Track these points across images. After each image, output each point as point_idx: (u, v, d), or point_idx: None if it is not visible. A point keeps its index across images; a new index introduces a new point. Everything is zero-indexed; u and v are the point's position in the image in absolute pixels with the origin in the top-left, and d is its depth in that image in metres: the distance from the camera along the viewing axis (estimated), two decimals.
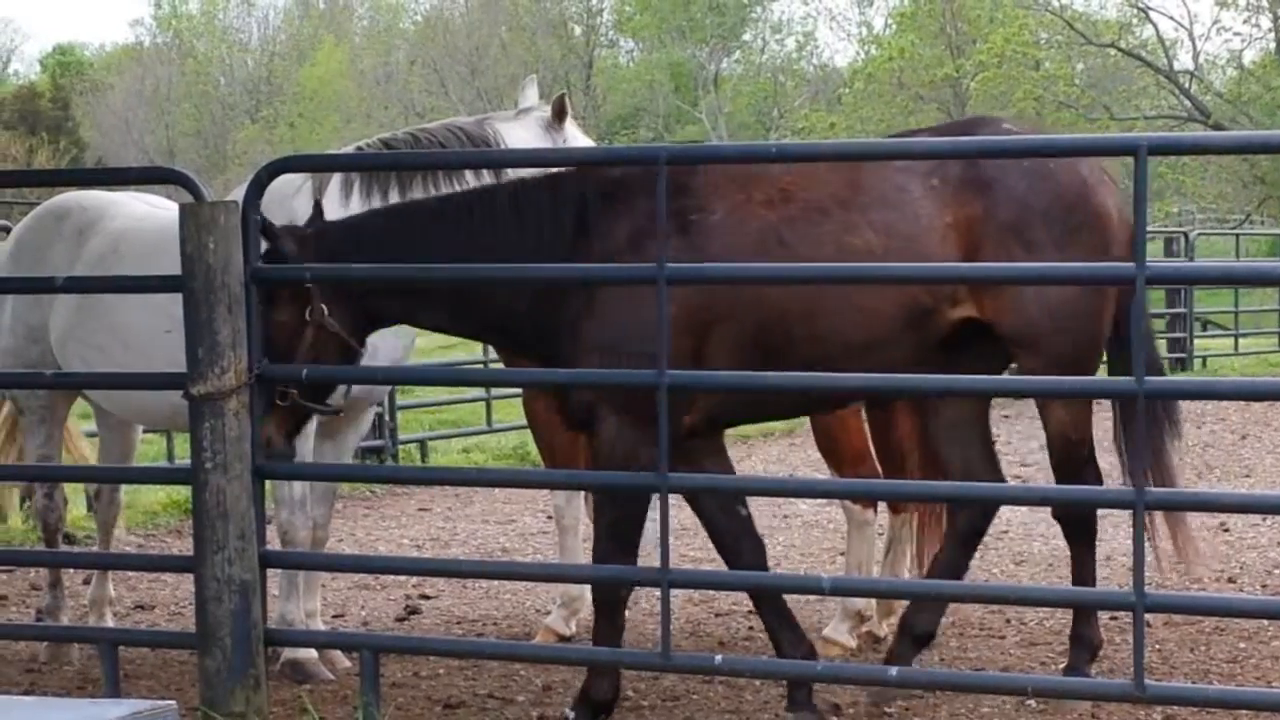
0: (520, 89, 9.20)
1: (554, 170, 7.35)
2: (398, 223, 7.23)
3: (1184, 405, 20.24)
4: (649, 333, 6.65)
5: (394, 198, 7.99)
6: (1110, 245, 7.16)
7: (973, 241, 7.00)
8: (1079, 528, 7.64)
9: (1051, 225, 7.03)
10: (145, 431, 10.80)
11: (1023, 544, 11.78)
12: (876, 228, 7.00)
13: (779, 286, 6.93)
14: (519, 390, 16.78)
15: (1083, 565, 7.68)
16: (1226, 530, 12.05)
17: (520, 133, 8.49)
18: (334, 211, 7.76)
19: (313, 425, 8.41)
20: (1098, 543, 11.49)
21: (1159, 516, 7.79)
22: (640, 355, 6.77)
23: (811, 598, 9.63)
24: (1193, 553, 8.10)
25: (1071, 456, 7.47)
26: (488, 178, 7.62)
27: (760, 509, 13.25)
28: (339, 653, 8.75)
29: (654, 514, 6.94)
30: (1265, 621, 9.04)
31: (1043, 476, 15.02)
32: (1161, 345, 25.94)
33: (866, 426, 8.88)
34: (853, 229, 6.99)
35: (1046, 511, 12.47)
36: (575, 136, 8.78)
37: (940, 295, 7.05)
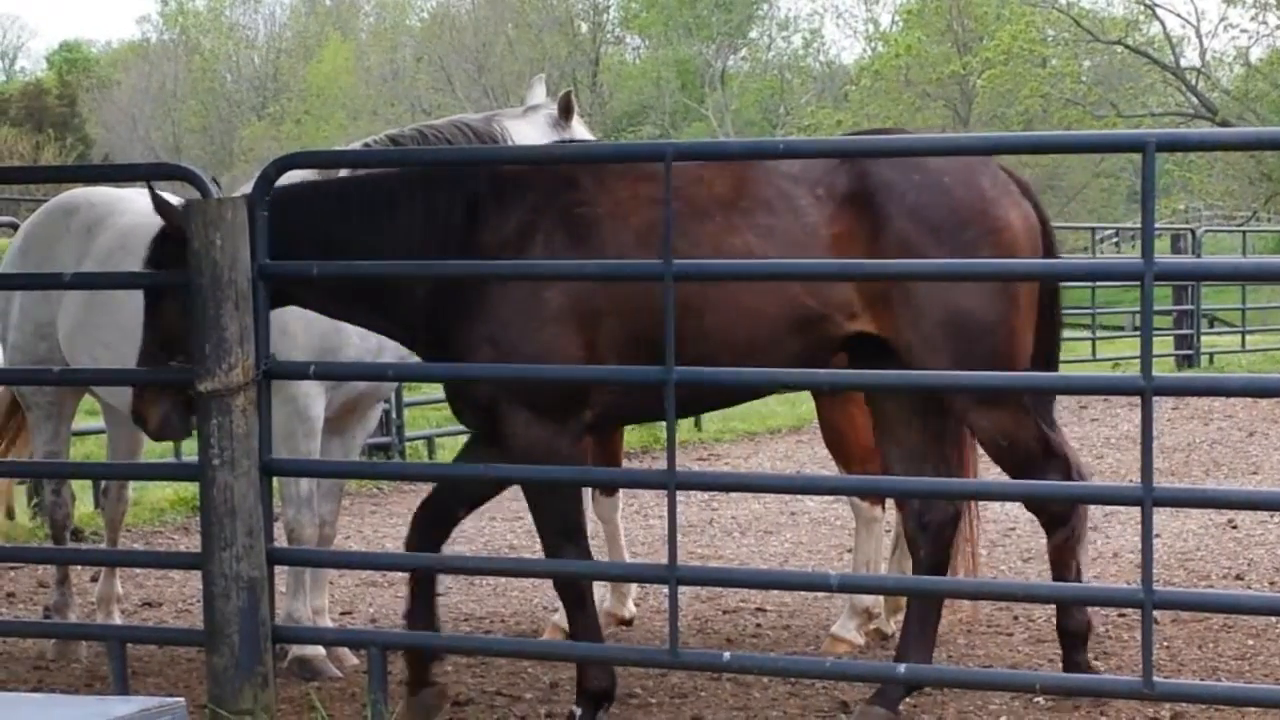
0: (528, 86, 9.20)
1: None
2: (306, 203, 7.25)
3: (1192, 402, 20.29)
4: (536, 328, 6.83)
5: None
6: (1012, 259, 7.04)
7: (859, 255, 6.89)
8: (1056, 521, 7.46)
9: (943, 240, 6.89)
10: None
11: (1030, 541, 11.76)
12: (758, 231, 6.96)
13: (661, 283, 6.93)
14: None
15: (1064, 563, 7.50)
16: (1235, 527, 12.04)
17: (527, 130, 8.49)
18: None
19: (320, 422, 8.42)
20: (1105, 540, 11.59)
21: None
22: (528, 353, 6.90)
23: (819, 594, 9.64)
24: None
25: (1011, 461, 7.22)
26: None
27: (768, 506, 13.31)
28: (347, 650, 8.75)
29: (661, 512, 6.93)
30: (1273, 618, 9.03)
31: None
32: (1169, 342, 25.95)
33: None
34: (733, 231, 6.96)
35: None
36: (582, 134, 8.79)
37: (831, 304, 6.94)
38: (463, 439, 17.37)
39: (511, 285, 6.97)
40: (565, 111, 8.65)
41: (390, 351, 8.29)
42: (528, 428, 7.03)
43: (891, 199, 6.94)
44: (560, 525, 7.27)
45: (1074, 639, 7.51)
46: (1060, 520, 7.35)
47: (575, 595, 7.35)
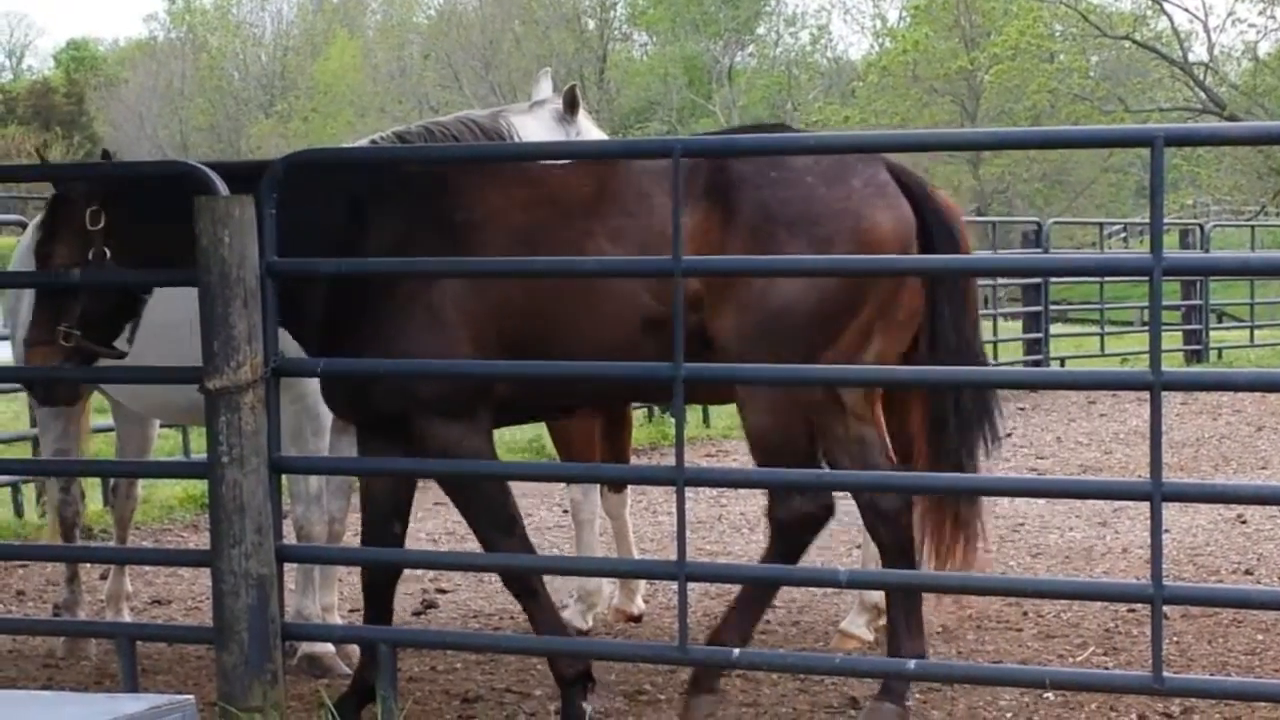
0: (535, 82, 9.20)
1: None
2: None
3: (1200, 397, 20.29)
4: (428, 333, 6.96)
5: None
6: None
7: (712, 251, 6.87)
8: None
9: (797, 236, 6.84)
10: (162, 426, 10.82)
11: (1039, 536, 11.77)
12: (610, 235, 6.99)
13: (528, 290, 7.05)
14: None
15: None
16: (1244, 522, 12.03)
17: (534, 125, 8.49)
18: None
19: (328, 420, 8.41)
20: (1115, 536, 11.59)
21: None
22: (421, 357, 7.01)
23: (828, 590, 9.64)
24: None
25: (779, 462, 7.16)
26: None
27: None
28: (356, 647, 8.75)
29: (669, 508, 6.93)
30: None
31: (1059, 469, 15.07)
32: (1178, 337, 25.95)
33: (882, 420, 8.86)
34: (589, 236, 7.00)
35: (1062, 505, 12.54)
36: (588, 129, 8.79)
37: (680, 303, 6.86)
38: None
39: (402, 290, 7.04)
40: (571, 106, 8.65)
41: None
42: (445, 428, 7.11)
43: (745, 195, 6.93)
44: (490, 519, 7.35)
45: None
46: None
47: (526, 588, 7.41)
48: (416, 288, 7.01)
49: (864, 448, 7.37)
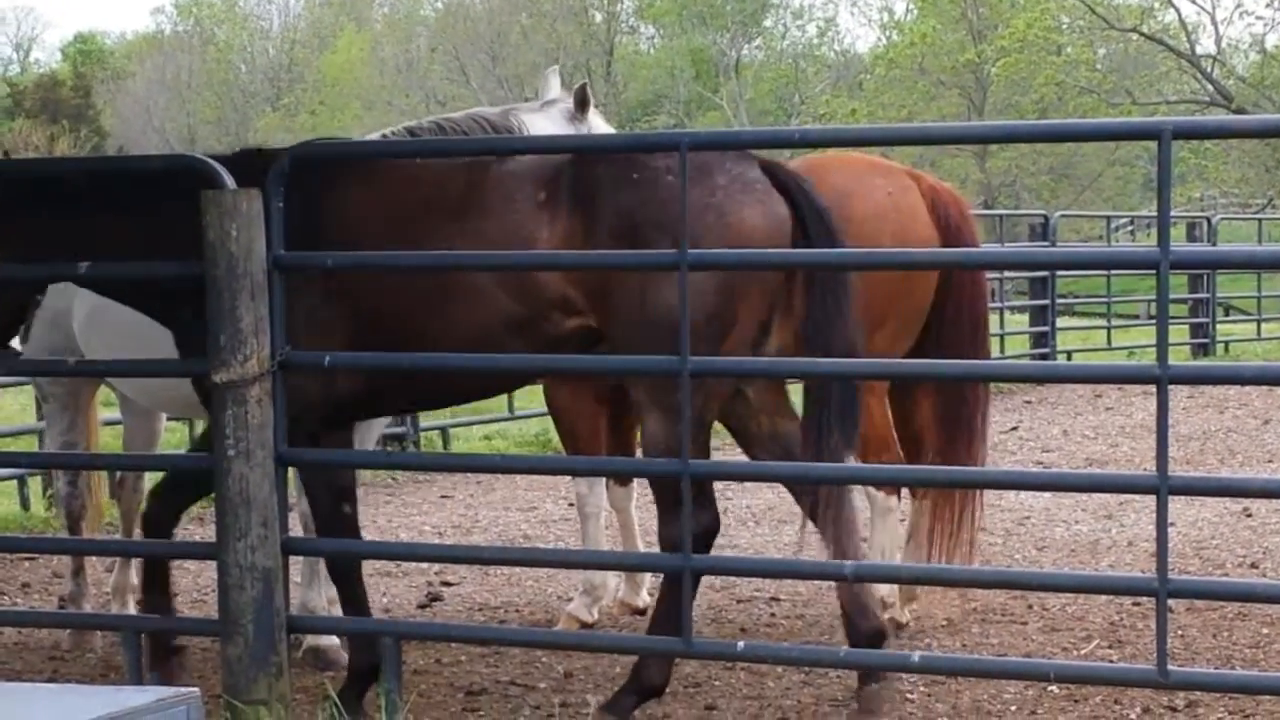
0: (542, 79, 9.19)
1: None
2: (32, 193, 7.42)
3: (1207, 390, 20.28)
4: (298, 331, 7.01)
5: None
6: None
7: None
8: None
9: (663, 237, 6.78)
10: (168, 419, 10.82)
11: (1044, 530, 11.78)
12: (468, 236, 7.00)
13: (395, 290, 7.10)
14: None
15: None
16: (1250, 516, 12.03)
17: (544, 123, 8.51)
18: None
19: None
20: (1120, 529, 11.59)
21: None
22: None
23: (834, 584, 9.64)
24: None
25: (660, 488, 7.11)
26: None
27: (782, 495, 13.28)
28: None
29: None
30: None
31: (1065, 463, 15.07)
32: (1184, 331, 25.93)
33: (889, 413, 8.88)
34: (447, 239, 7.02)
35: (1068, 498, 12.54)
36: (599, 127, 8.80)
37: (543, 305, 6.96)
38: (478, 429, 17.51)
39: (291, 287, 7.07)
40: (581, 104, 8.67)
41: None
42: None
43: (604, 197, 6.92)
44: (328, 514, 7.59)
45: (635, 693, 7.33)
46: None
47: (155, 570, 7.75)
48: (298, 285, 7.04)
49: (783, 443, 7.31)
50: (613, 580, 9.52)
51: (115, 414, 11.25)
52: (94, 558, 10.27)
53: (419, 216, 7.10)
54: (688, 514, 6.69)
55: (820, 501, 7.13)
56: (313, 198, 7.10)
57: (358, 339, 7.10)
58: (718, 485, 13.65)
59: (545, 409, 10.40)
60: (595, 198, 6.92)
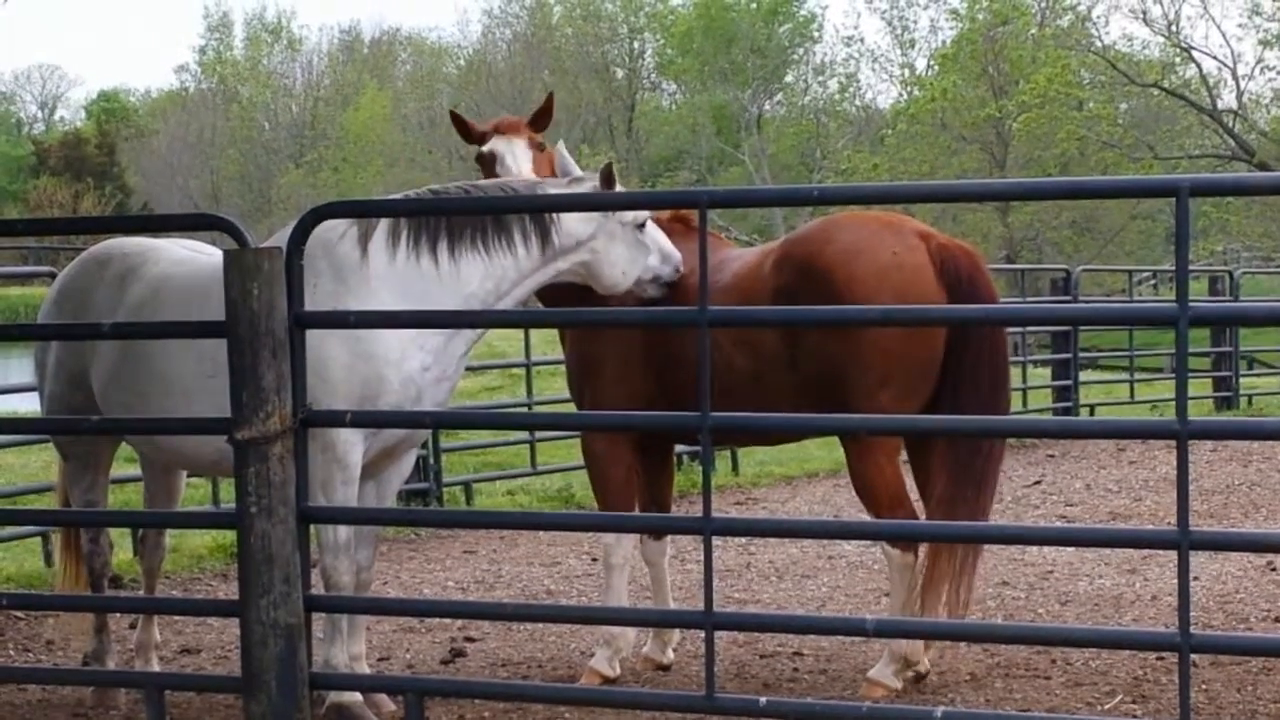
0: (558, 155, 9.14)
1: None
2: None
3: (1231, 443, 20.19)
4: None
5: (442, 245, 8.04)
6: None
7: None
8: None
9: None
10: (190, 476, 10.85)
11: (1068, 584, 11.74)
12: None
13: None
14: (563, 433, 16.85)
15: None
16: (1274, 569, 11.99)
17: None
18: (380, 257, 7.90)
19: (357, 469, 8.44)
20: (1144, 583, 11.56)
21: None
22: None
23: (857, 638, 9.62)
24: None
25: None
26: (532, 235, 7.86)
27: (805, 549, 13.31)
28: (384, 696, 8.76)
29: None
30: None
31: (1088, 517, 15.04)
32: (1207, 384, 25.89)
33: (900, 470, 8.86)
34: None
35: (1091, 552, 12.51)
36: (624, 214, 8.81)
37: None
38: (501, 484, 17.53)
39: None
40: (607, 182, 8.69)
41: (429, 399, 8.31)
42: None
43: None
44: None
45: None
46: None
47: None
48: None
49: None
50: (632, 633, 9.51)
51: (137, 470, 11.27)
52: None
53: None
54: (709, 567, 6.70)
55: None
56: None
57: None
58: (741, 539, 13.75)
59: (568, 464, 10.42)
60: None
